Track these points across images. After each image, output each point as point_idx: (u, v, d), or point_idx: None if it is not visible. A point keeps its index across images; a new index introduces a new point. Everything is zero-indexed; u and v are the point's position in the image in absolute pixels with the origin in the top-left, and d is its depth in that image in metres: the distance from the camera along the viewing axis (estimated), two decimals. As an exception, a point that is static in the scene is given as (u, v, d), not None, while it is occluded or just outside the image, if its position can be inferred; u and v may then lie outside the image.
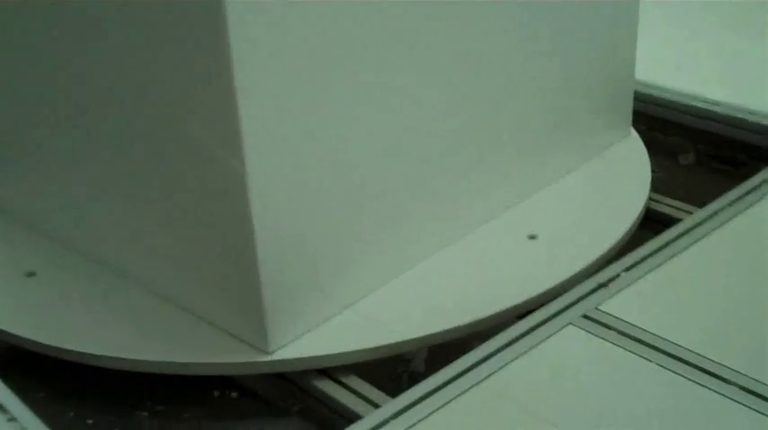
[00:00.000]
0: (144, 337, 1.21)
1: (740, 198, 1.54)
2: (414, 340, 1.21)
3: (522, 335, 1.20)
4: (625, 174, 1.61)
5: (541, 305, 1.27)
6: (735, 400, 1.08)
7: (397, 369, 1.29)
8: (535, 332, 1.21)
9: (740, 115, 1.84)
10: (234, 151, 1.00)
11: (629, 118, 1.71)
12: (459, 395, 1.11)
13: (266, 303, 1.12)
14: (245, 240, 1.07)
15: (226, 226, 1.09)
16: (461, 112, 1.31)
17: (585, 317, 1.23)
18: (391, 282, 1.30)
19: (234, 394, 1.23)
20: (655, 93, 1.94)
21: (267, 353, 1.15)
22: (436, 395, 1.11)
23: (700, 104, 1.89)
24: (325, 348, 1.18)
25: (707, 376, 1.12)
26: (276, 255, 1.10)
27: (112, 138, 1.19)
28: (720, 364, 1.13)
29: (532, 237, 1.43)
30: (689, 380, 1.12)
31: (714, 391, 1.09)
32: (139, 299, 1.29)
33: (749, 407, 1.07)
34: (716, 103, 1.88)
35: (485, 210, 1.44)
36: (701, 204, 1.56)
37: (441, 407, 1.09)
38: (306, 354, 1.17)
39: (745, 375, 1.11)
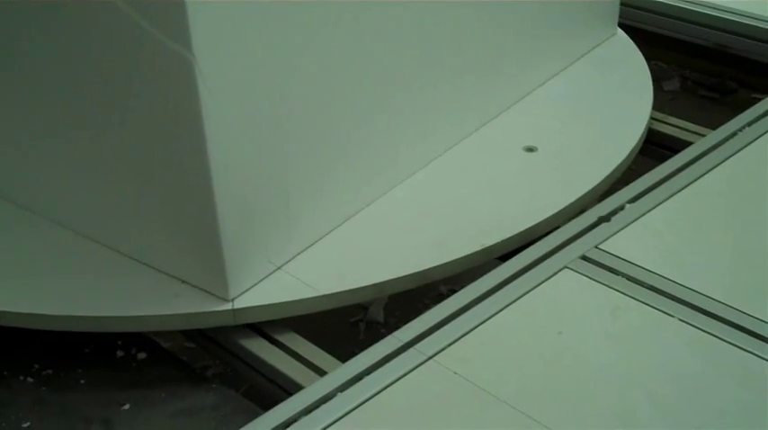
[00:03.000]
0: (78, 291, 1.08)
1: (758, 119, 1.36)
2: (392, 281, 1.08)
3: (508, 281, 1.05)
4: (619, 76, 1.54)
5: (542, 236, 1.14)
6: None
7: (347, 325, 1.17)
8: (523, 277, 1.06)
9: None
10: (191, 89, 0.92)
11: (616, 15, 1.64)
12: (430, 358, 0.95)
13: (225, 240, 1.00)
14: (200, 166, 0.96)
15: (181, 157, 0.99)
16: (430, 17, 1.21)
17: (584, 258, 1.09)
18: (366, 210, 1.19)
19: (142, 355, 1.07)
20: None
21: (227, 300, 1.03)
22: (400, 358, 0.95)
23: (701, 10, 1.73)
24: (296, 292, 1.05)
25: (737, 332, 0.98)
26: (233, 190, 0.99)
27: (60, 79, 1.06)
28: (755, 318, 0.99)
29: (530, 150, 1.32)
30: (715, 337, 0.97)
31: (746, 351, 0.95)
32: (85, 251, 1.15)
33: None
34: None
35: (461, 124, 1.34)
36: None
37: (406, 374, 0.93)
38: (272, 301, 1.04)
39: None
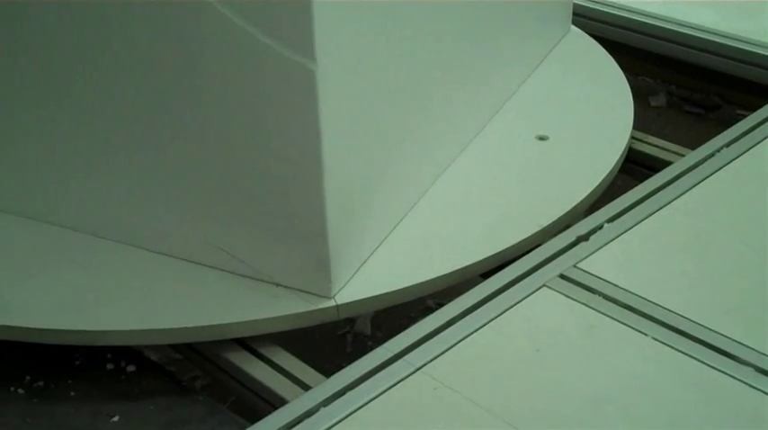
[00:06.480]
0: (174, 303, 1.08)
1: (737, 139, 1.37)
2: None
3: (487, 300, 1.05)
4: (589, 67, 1.63)
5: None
6: (743, 382, 0.95)
7: (334, 338, 1.11)
8: (504, 294, 1.06)
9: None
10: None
11: (570, 10, 1.74)
12: (412, 373, 0.95)
13: (330, 240, 1.03)
14: (314, 169, 0.99)
15: (293, 163, 1.00)
16: (457, 19, 1.29)
17: (562, 277, 1.09)
18: (418, 204, 1.25)
19: (132, 367, 1.08)
20: (634, 17, 1.81)
21: (329, 298, 1.06)
22: (386, 371, 0.96)
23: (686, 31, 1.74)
24: (389, 284, 1.09)
25: (710, 352, 0.99)
26: (337, 190, 1.02)
27: (158, 91, 1.04)
28: (727, 338, 1.00)
29: (542, 139, 1.39)
30: (687, 355, 0.98)
31: (717, 370, 0.96)
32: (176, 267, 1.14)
33: (758, 389, 0.94)
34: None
35: (479, 117, 1.43)
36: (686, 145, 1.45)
37: (389, 388, 0.94)
38: (370, 294, 1.08)
39: (755, 351, 0.98)
